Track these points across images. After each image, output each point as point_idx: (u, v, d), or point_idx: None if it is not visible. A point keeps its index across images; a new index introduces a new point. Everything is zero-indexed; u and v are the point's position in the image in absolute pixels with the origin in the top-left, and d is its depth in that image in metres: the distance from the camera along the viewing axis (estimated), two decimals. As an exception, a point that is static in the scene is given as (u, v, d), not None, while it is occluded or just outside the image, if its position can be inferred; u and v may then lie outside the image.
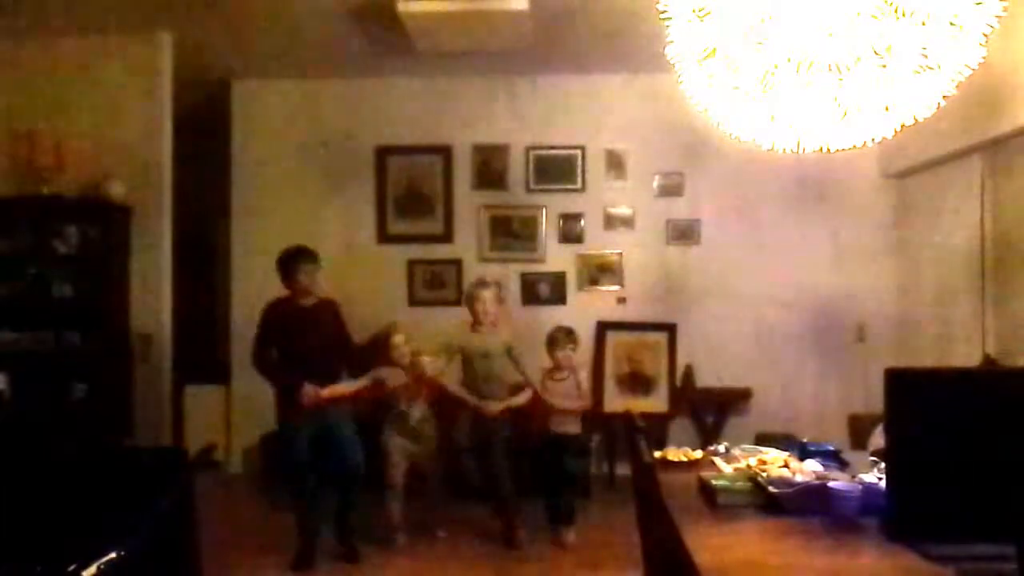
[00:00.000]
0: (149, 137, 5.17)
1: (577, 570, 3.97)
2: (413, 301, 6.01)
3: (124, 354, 5.03)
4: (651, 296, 5.93)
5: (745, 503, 2.21)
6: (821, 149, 2.44)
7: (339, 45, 5.31)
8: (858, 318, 5.88)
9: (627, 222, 5.98)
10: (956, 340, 4.97)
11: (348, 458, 4.02)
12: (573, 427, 4.44)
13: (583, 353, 5.72)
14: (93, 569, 1.74)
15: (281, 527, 4.14)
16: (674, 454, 2.80)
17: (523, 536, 4.31)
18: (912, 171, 5.51)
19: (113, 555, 1.77)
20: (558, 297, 6.00)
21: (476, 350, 4.40)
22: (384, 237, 6.08)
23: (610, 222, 5.99)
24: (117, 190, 5.00)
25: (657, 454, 2.75)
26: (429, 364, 4.37)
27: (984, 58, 2.11)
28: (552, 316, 5.90)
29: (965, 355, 4.74)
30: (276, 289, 4.15)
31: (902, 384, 1.70)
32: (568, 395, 4.39)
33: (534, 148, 6.02)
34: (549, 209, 6.01)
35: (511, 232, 6.03)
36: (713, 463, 2.71)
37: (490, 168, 6.05)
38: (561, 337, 4.50)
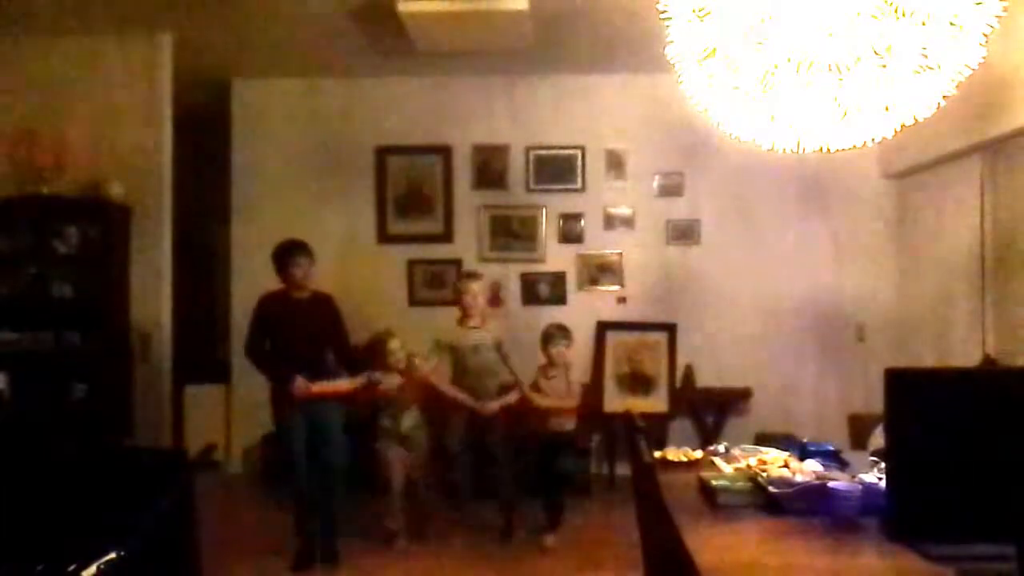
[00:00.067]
0: (149, 137, 5.17)
1: (577, 570, 3.97)
2: (413, 301, 6.01)
3: (124, 354, 5.03)
4: (651, 296, 5.93)
5: (745, 503, 2.21)
6: (821, 149, 2.44)
7: (339, 45, 5.32)
8: (858, 318, 5.88)
9: (627, 222, 5.98)
10: (956, 340, 4.97)
11: (332, 457, 4.03)
12: (568, 424, 4.45)
13: (582, 353, 5.74)
14: (93, 569, 1.74)
15: (281, 527, 4.14)
16: (674, 454, 2.80)
17: (521, 533, 4.31)
18: (912, 171, 5.51)
19: (113, 555, 1.77)
20: (558, 297, 6.00)
21: (466, 345, 4.40)
22: (384, 237, 6.08)
23: (610, 222, 5.99)
24: (117, 190, 5.00)
25: (657, 454, 2.75)
26: (422, 365, 4.37)
27: (984, 58, 2.11)
28: (552, 316, 5.89)
29: (965, 355, 4.74)
30: (276, 288, 4.16)
31: (902, 384, 1.70)
32: (559, 392, 4.40)
33: (534, 148, 6.02)
34: (549, 209, 6.01)
35: (511, 232, 6.03)
36: (713, 463, 2.71)
37: (490, 168, 6.05)
38: (555, 333, 4.52)
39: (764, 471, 2.40)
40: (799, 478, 2.26)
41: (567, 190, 6.00)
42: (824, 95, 2.13)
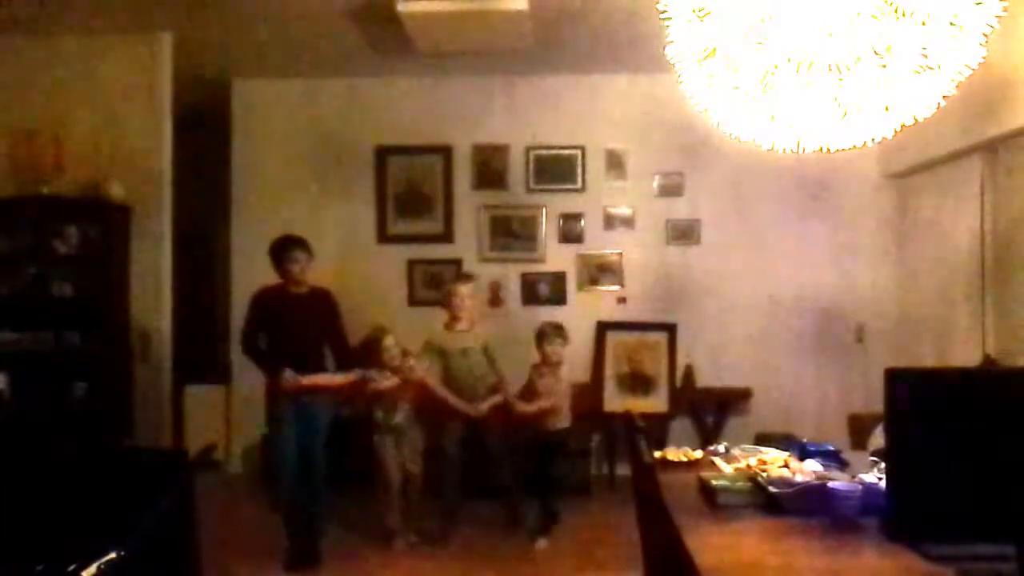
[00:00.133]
0: (149, 137, 5.17)
1: (577, 570, 3.97)
2: (413, 301, 6.01)
3: (124, 354, 5.03)
4: (651, 296, 5.93)
5: (745, 503, 2.21)
6: (821, 149, 2.44)
7: (339, 45, 5.32)
8: (858, 318, 5.88)
9: (627, 222, 5.99)
10: (956, 340, 4.97)
11: (317, 455, 4.02)
12: (563, 423, 4.45)
13: (582, 353, 5.75)
14: (93, 569, 1.74)
15: (281, 527, 4.13)
16: (674, 454, 2.80)
17: (522, 530, 4.34)
18: (912, 171, 5.51)
19: (113, 555, 1.77)
20: (558, 297, 6.00)
21: (455, 348, 4.40)
22: (384, 237, 6.08)
23: (610, 222, 5.99)
24: (117, 190, 5.00)
25: (657, 454, 2.75)
26: (415, 366, 4.36)
27: (984, 58, 2.11)
28: (552, 316, 5.88)
29: (965, 355, 4.74)
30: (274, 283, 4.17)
31: (902, 384, 1.70)
32: (550, 391, 4.40)
33: (534, 148, 6.02)
34: (549, 209, 6.01)
35: (511, 232, 6.03)
36: (713, 463, 2.71)
37: (490, 168, 6.05)
38: (550, 332, 4.51)
39: (764, 471, 2.40)
40: (799, 478, 2.26)
41: (567, 190, 6.00)
42: (824, 95, 2.13)
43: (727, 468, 2.59)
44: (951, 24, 2.00)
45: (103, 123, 5.11)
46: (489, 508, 4.57)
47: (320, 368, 4.10)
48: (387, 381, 4.30)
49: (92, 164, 5.01)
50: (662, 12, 2.28)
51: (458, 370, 4.40)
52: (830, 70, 2.07)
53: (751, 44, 2.09)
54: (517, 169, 6.03)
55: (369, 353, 4.37)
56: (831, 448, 2.73)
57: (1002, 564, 1.64)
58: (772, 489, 2.19)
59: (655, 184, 5.98)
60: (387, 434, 4.33)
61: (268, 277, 4.20)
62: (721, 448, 2.88)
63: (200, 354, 6.23)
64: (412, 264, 6.04)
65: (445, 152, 6.06)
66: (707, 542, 1.89)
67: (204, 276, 6.87)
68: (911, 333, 5.62)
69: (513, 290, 6.01)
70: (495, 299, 6.00)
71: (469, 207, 6.05)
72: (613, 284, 5.98)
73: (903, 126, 2.27)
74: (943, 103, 2.19)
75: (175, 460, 2.55)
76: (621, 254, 5.98)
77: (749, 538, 1.97)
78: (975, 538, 1.69)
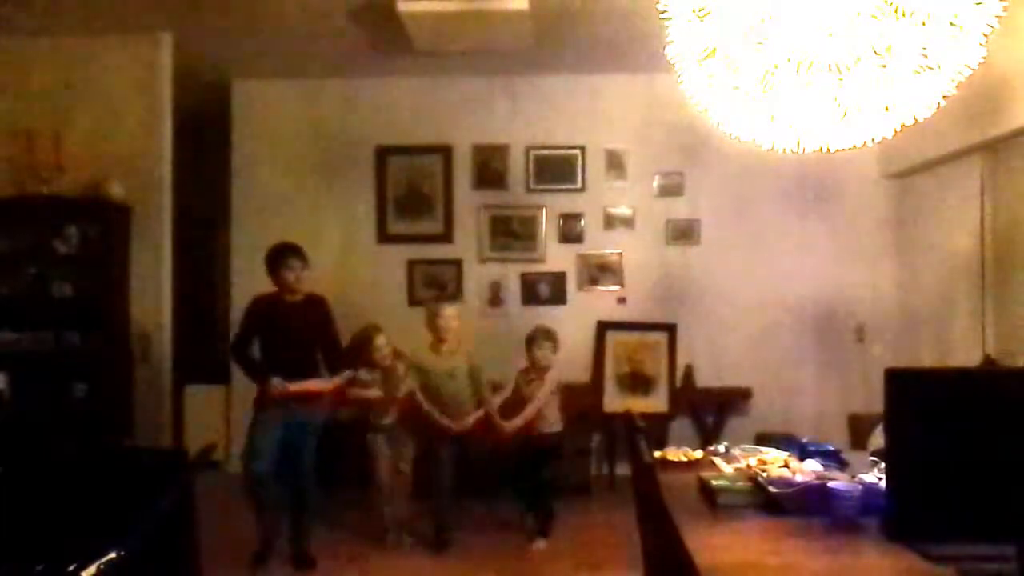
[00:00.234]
0: (149, 137, 5.17)
1: (577, 570, 3.97)
2: (413, 301, 6.00)
3: (124, 354, 5.03)
4: (651, 296, 5.93)
5: (745, 503, 2.21)
6: (821, 149, 2.44)
7: (339, 45, 5.32)
8: (858, 318, 5.88)
9: (627, 222, 5.98)
10: (956, 340, 4.97)
11: (300, 465, 4.01)
12: (555, 427, 4.43)
13: (582, 353, 5.75)
14: (93, 569, 1.74)
15: (280, 527, 4.13)
16: (674, 454, 2.80)
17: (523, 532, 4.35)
18: (912, 171, 5.50)
19: (113, 555, 1.77)
20: (558, 297, 6.00)
21: (441, 370, 4.35)
22: (384, 237, 6.08)
23: (610, 222, 5.99)
24: (117, 190, 5.00)
25: (657, 454, 2.75)
26: (404, 381, 4.34)
27: (984, 58, 2.11)
28: (552, 316, 5.91)
29: (965, 355, 4.74)
30: (270, 290, 4.16)
31: (902, 384, 1.70)
32: (533, 398, 4.37)
33: (534, 148, 6.02)
34: (549, 209, 6.01)
35: (511, 232, 6.03)
36: (713, 463, 2.71)
37: (490, 168, 6.05)
38: (540, 337, 4.48)
39: (764, 471, 2.40)
40: (799, 478, 2.26)
41: (567, 190, 6.00)
42: (824, 95, 2.13)
43: (727, 468, 2.59)
44: (951, 24, 2.00)
45: (103, 123, 5.11)
46: (487, 508, 4.56)
47: (313, 374, 4.07)
48: (374, 389, 4.29)
49: (92, 164, 5.01)
50: (662, 12, 2.28)
51: (444, 392, 4.35)
52: (830, 70, 2.07)
53: (751, 44, 2.09)
54: (517, 169, 6.03)
55: (359, 351, 4.36)
56: (831, 448, 2.73)
57: (1002, 564, 1.64)
58: (772, 489, 2.19)
59: (655, 184, 5.98)
60: (379, 433, 4.33)
61: (267, 277, 4.19)
62: (721, 448, 2.88)
63: (200, 354, 6.23)
64: (412, 264, 6.04)
65: (445, 152, 6.06)
66: (707, 542, 1.89)
67: (204, 276, 6.87)
68: (911, 333, 5.62)
69: (513, 290, 6.01)
70: (495, 299, 6.00)
71: (469, 207, 6.05)
72: (613, 284, 5.98)
73: (903, 126, 2.27)
74: (943, 103, 2.19)
75: (175, 460, 2.55)
76: (621, 254, 5.98)
77: (749, 538, 1.97)
78: (975, 538, 1.69)
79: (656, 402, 5.55)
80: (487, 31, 4.71)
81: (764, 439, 3.73)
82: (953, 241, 5.01)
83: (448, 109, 6.06)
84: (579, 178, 6.00)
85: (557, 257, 6.01)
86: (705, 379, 5.83)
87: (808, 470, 2.40)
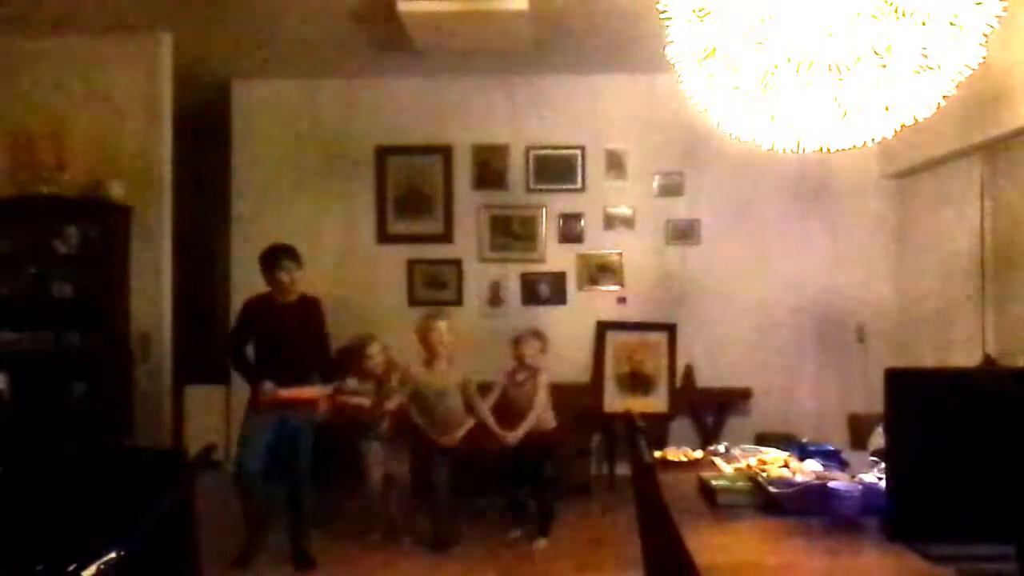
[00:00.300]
0: (149, 137, 5.18)
1: (577, 570, 3.97)
2: (413, 301, 6.01)
3: (124, 354, 5.03)
4: (651, 296, 5.93)
5: (745, 503, 2.21)
6: (821, 149, 2.44)
7: (339, 45, 5.32)
8: (858, 318, 5.88)
9: (627, 222, 5.98)
10: (956, 340, 4.97)
11: (296, 467, 4.01)
12: (549, 424, 4.42)
13: (582, 353, 5.76)
14: (93, 569, 1.74)
15: (280, 528, 4.13)
16: (674, 454, 2.80)
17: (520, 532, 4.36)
18: (912, 171, 5.50)
19: (113, 555, 1.77)
20: (558, 297, 6.00)
21: (431, 389, 4.34)
22: (384, 237, 6.08)
23: (610, 222, 5.99)
24: (117, 190, 5.00)
25: (657, 454, 2.75)
26: (396, 393, 4.34)
27: (984, 58, 2.11)
28: (552, 316, 5.92)
29: (965, 355, 4.74)
30: (264, 291, 4.17)
31: (902, 384, 1.70)
32: (528, 398, 4.35)
33: (534, 148, 6.02)
34: (549, 209, 6.01)
35: (511, 232, 6.03)
36: (713, 463, 2.71)
37: (490, 168, 6.05)
38: (528, 335, 4.46)
39: (764, 471, 2.40)
40: (799, 478, 2.26)
41: (567, 190, 6.00)
42: (824, 95, 2.13)
43: (727, 468, 2.59)
44: (951, 24, 2.00)
45: (103, 123, 5.11)
46: (487, 508, 4.56)
47: (306, 378, 4.07)
48: (365, 397, 4.29)
49: (92, 164, 5.01)
50: (662, 12, 2.28)
51: (435, 410, 4.35)
52: (830, 70, 2.07)
53: (751, 44, 2.09)
54: (517, 169, 6.03)
55: (352, 359, 4.35)
56: (831, 448, 2.73)
57: (1002, 564, 1.63)
58: (772, 489, 2.19)
59: (655, 184, 5.98)
60: (373, 438, 4.33)
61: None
62: (721, 448, 2.88)
63: (200, 354, 6.23)
64: (412, 264, 6.04)
65: (445, 152, 6.06)
66: (707, 542, 1.89)
67: (204, 276, 6.86)
68: (911, 333, 5.62)
69: (513, 290, 6.01)
70: (495, 299, 6.00)
71: (469, 207, 6.05)
72: (613, 284, 5.98)
73: (903, 126, 2.27)
74: (943, 103, 2.19)
75: (175, 460, 2.55)
76: (621, 254, 5.98)
77: (749, 538, 1.97)
78: (975, 538, 1.69)
79: (656, 402, 5.55)
80: (487, 31, 4.71)
81: (764, 439, 3.74)
82: (953, 241, 5.01)
83: (448, 109, 6.06)
84: (579, 178, 6.00)
85: (557, 257, 6.01)
86: (705, 379, 5.83)
87: (808, 470, 2.40)
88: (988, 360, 4.37)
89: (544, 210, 6.01)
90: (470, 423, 4.38)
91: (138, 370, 5.11)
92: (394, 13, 4.41)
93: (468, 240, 6.04)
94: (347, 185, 6.07)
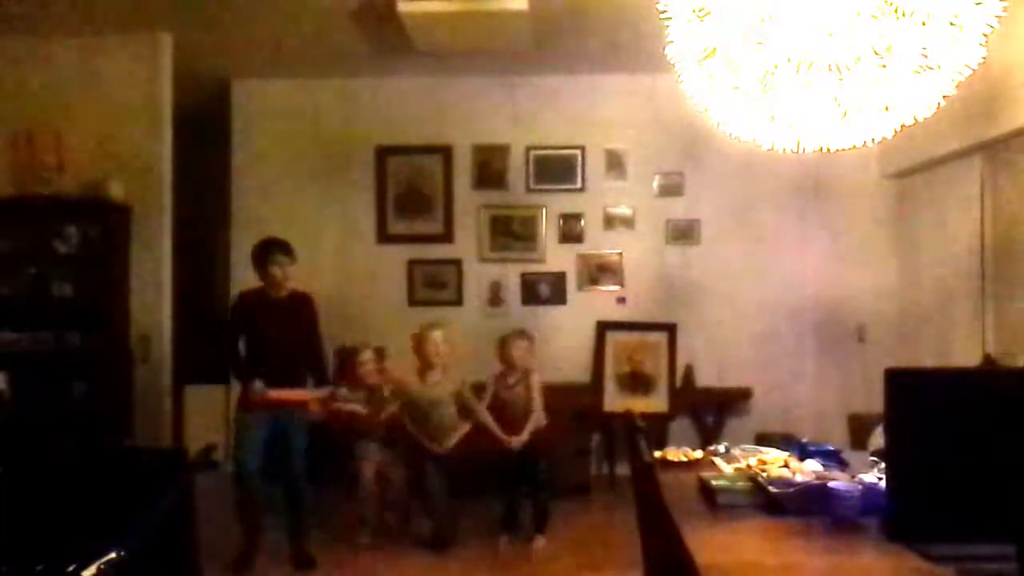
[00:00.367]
0: (149, 137, 5.17)
1: (577, 570, 3.97)
2: (413, 301, 6.01)
3: (124, 354, 5.03)
4: (651, 296, 5.93)
5: (745, 503, 2.21)
6: (821, 149, 2.44)
7: (339, 45, 5.31)
8: (858, 318, 5.87)
9: (627, 222, 5.98)
10: (956, 340, 4.96)
11: (292, 468, 4.01)
12: (543, 421, 4.41)
13: (582, 353, 5.76)
14: (93, 569, 1.74)
15: (279, 528, 4.13)
16: (674, 454, 2.80)
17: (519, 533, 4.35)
18: (912, 171, 5.50)
19: (113, 555, 1.77)
20: (558, 297, 6.00)
21: (425, 400, 4.35)
22: (384, 237, 6.08)
23: (610, 222, 5.99)
24: (117, 190, 4.99)
25: (657, 454, 2.75)
26: (388, 402, 4.34)
27: (984, 58, 2.11)
28: (552, 316, 5.93)
29: (965, 355, 4.73)
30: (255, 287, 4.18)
31: (902, 384, 1.70)
32: (520, 401, 4.35)
33: (534, 148, 6.02)
34: (549, 209, 6.01)
35: (511, 232, 6.03)
36: (713, 463, 2.71)
37: (490, 168, 6.05)
38: (515, 337, 4.45)
39: (764, 471, 2.40)
40: (799, 478, 2.26)
41: (567, 190, 6.00)
42: (824, 95, 2.13)
43: (727, 468, 2.59)
44: (951, 24, 2.00)
45: (103, 123, 5.11)
46: (486, 508, 4.56)
47: (298, 375, 4.07)
48: (357, 404, 4.29)
49: (92, 164, 5.01)
50: (662, 12, 2.28)
51: (429, 420, 4.36)
52: (830, 70, 2.07)
53: (751, 44, 2.09)
54: (517, 169, 6.03)
55: (344, 367, 4.34)
56: (831, 448, 2.73)
57: (1002, 564, 1.63)
58: (772, 489, 2.19)
59: (655, 184, 5.98)
60: (369, 440, 4.33)
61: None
62: (721, 448, 2.88)
63: (200, 354, 6.23)
64: (412, 264, 6.04)
65: (445, 152, 6.06)
66: (707, 542, 1.89)
67: (204, 276, 6.86)
68: (911, 333, 5.62)
69: (513, 290, 6.01)
70: (495, 299, 6.00)
71: (469, 207, 6.05)
72: (613, 284, 5.98)
73: (903, 126, 2.27)
74: (943, 103, 2.19)
75: (175, 460, 2.55)
76: (621, 254, 5.98)
77: (749, 538, 1.97)
78: (975, 538, 1.69)
79: (656, 402, 5.56)
80: (487, 31, 4.71)
81: (764, 439, 3.74)
82: (953, 241, 5.01)
83: (448, 109, 6.06)
84: (579, 178, 6.00)
85: (557, 257, 6.01)
86: (705, 379, 5.83)
87: (808, 470, 2.40)
88: (988, 360, 4.37)
89: (544, 210, 6.01)
90: (463, 430, 4.38)
91: (138, 370, 5.11)
92: (394, 13, 4.41)
93: (468, 240, 6.04)
94: (347, 185, 6.07)
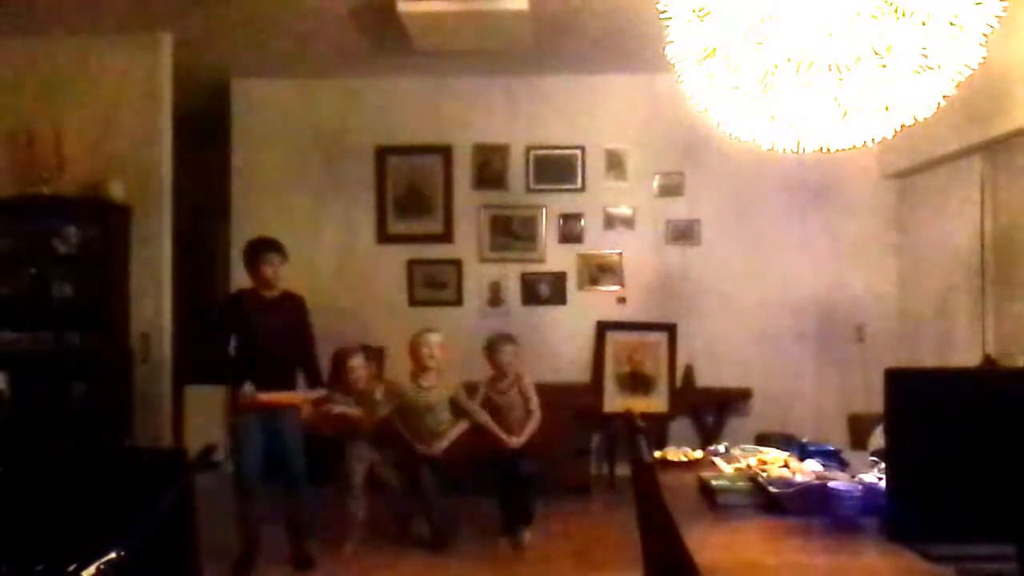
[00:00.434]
0: (149, 137, 5.17)
1: (577, 570, 3.97)
2: (413, 301, 6.01)
3: (124, 354, 5.03)
4: (651, 296, 5.93)
5: (745, 503, 2.21)
6: (821, 149, 2.44)
7: (339, 45, 5.31)
8: (858, 318, 5.88)
9: (627, 222, 5.98)
10: (956, 340, 4.97)
11: (290, 468, 4.01)
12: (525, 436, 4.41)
13: (582, 353, 5.75)
14: (93, 569, 1.74)
15: (279, 528, 4.13)
16: (674, 454, 2.80)
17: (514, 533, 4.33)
18: (912, 171, 5.50)
19: (113, 555, 1.77)
20: (558, 297, 6.00)
21: (419, 404, 4.36)
22: (384, 237, 6.08)
23: (610, 222, 5.99)
24: (117, 190, 4.99)
25: (657, 454, 2.75)
26: (380, 406, 4.34)
27: (984, 58, 2.11)
28: (552, 316, 5.93)
29: (965, 355, 4.74)
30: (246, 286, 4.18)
31: (902, 384, 1.70)
32: (514, 407, 4.35)
33: (534, 148, 6.02)
34: (549, 209, 6.01)
35: (511, 232, 6.03)
36: (713, 463, 2.71)
37: (490, 168, 6.05)
38: (496, 341, 4.45)
39: (764, 471, 2.40)
40: (799, 478, 2.26)
41: (567, 190, 6.00)
42: (824, 95, 2.13)
43: (727, 468, 2.59)
44: (951, 24, 2.00)
45: (103, 123, 5.11)
46: (485, 508, 4.56)
47: (289, 377, 4.06)
48: (349, 408, 4.28)
49: (92, 164, 5.01)
50: (662, 12, 2.28)
51: (421, 425, 4.36)
52: (830, 70, 2.07)
53: (751, 44, 2.09)
54: (517, 169, 6.03)
55: (335, 372, 4.34)
56: (831, 448, 2.73)
57: (1002, 564, 1.63)
58: (772, 489, 2.19)
59: (655, 184, 5.98)
60: (359, 441, 4.32)
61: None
62: (721, 448, 2.88)
63: (200, 354, 6.22)
64: (412, 264, 6.04)
65: (445, 152, 6.05)
66: (707, 542, 1.89)
67: (204, 276, 6.86)
68: (911, 333, 5.62)
69: (513, 290, 6.01)
70: (495, 299, 6.00)
71: (469, 207, 6.05)
72: (613, 284, 5.98)
73: (903, 126, 2.27)
74: (943, 103, 2.19)
75: (175, 460, 2.55)
76: (621, 254, 5.98)
77: (749, 538, 1.97)
78: (975, 538, 1.69)
79: (656, 402, 5.55)
80: (487, 31, 4.71)
81: (764, 439, 3.73)
82: (953, 241, 5.01)
83: (448, 109, 6.05)
84: (579, 178, 6.00)
85: (557, 257, 6.01)
86: (705, 379, 5.83)
87: (808, 470, 2.40)
88: (988, 360, 4.37)
89: (544, 210, 6.01)
90: (455, 432, 4.38)
91: (138, 370, 5.10)
92: (394, 13, 4.41)
93: (468, 240, 6.04)
94: (347, 185, 6.07)
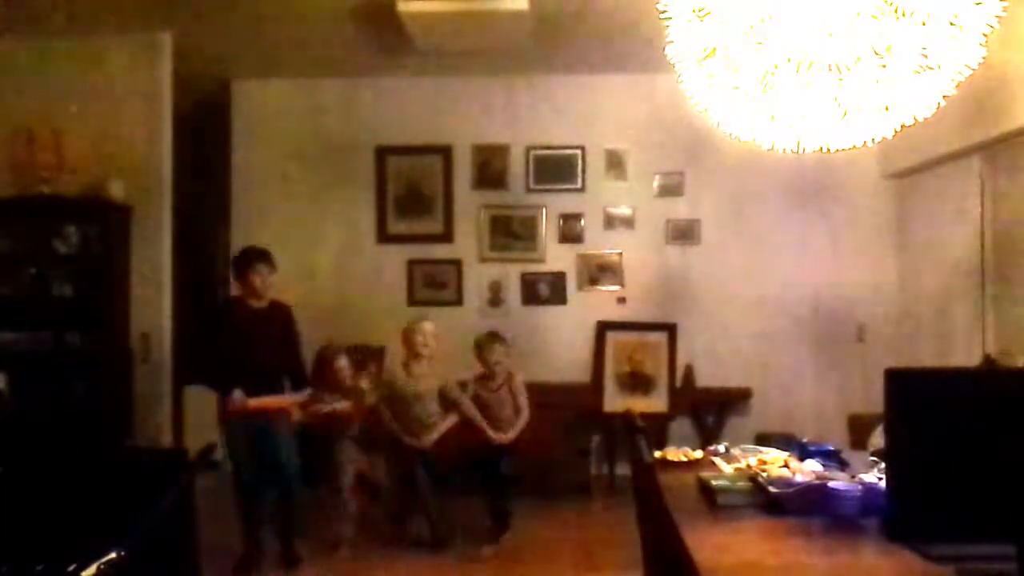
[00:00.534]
0: (149, 137, 5.18)
1: (577, 570, 3.97)
2: (413, 301, 6.01)
3: (124, 354, 5.03)
4: (651, 296, 5.93)
5: (745, 503, 2.21)
6: (821, 149, 2.44)
7: (339, 45, 5.31)
8: (858, 318, 5.88)
9: (627, 222, 5.98)
10: (956, 340, 4.97)
11: (284, 470, 4.01)
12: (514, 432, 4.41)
13: (582, 353, 5.75)
14: (93, 569, 1.74)
15: (269, 528, 4.12)
16: (674, 454, 2.80)
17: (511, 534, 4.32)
18: (912, 171, 5.50)
19: (113, 555, 1.77)
20: (558, 297, 6.00)
21: (409, 392, 4.35)
22: (384, 237, 6.08)
23: (610, 222, 5.99)
24: (117, 190, 5.00)
25: (657, 454, 2.75)
26: (368, 394, 4.34)
27: (984, 58, 2.11)
28: (552, 316, 5.93)
29: (965, 355, 4.74)
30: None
31: (902, 384, 1.70)
32: (505, 406, 4.35)
33: (534, 148, 6.02)
34: (549, 209, 6.01)
35: (511, 232, 6.03)
36: (713, 463, 2.71)
37: (490, 168, 6.05)
38: (485, 340, 4.44)
39: (764, 471, 2.40)
40: (799, 478, 2.26)
41: (567, 190, 6.00)
42: (824, 95, 2.13)
43: (727, 468, 2.59)
44: (951, 24, 2.00)
45: (103, 123, 5.11)
46: (484, 508, 4.56)
47: (276, 383, 4.06)
48: (338, 404, 4.28)
49: (92, 164, 5.01)
50: (662, 12, 2.28)
51: (410, 413, 4.35)
52: (830, 70, 2.07)
53: (751, 44, 2.09)
54: (517, 169, 6.03)
55: (321, 373, 4.34)
56: (831, 448, 2.73)
57: (1002, 564, 1.63)
58: (772, 489, 2.19)
59: (655, 184, 5.98)
60: (348, 440, 4.32)
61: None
62: (721, 448, 2.88)
63: (200, 355, 6.22)
64: (412, 264, 6.04)
65: (445, 152, 6.05)
66: (707, 542, 1.89)
67: (204, 276, 6.86)
68: (911, 333, 5.62)
69: (513, 290, 6.01)
70: (495, 299, 6.00)
71: (469, 207, 6.05)
72: (613, 284, 5.98)
73: (903, 126, 2.27)
74: (943, 103, 2.19)
75: (175, 460, 2.55)
76: (621, 254, 5.98)
77: (749, 538, 1.97)
78: (975, 538, 1.69)
79: (656, 402, 5.55)
80: (487, 31, 4.71)
81: (764, 439, 3.74)
82: (953, 241, 5.01)
83: (448, 109, 6.05)
84: (579, 178, 6.00)
85: (557, 257, 6.01)
86: (705, 379, 5.83)
87: (808, 470, 2.40)
88: (988, 360, 4.37)
89: (544, 210, 6.01)
90: (444, 425, 4.36)
91: (138, 370, 5.11)
92: (394, 13, 4.40)
93: (468, 240, 6.04)
94: (347, 185, 6.07)
